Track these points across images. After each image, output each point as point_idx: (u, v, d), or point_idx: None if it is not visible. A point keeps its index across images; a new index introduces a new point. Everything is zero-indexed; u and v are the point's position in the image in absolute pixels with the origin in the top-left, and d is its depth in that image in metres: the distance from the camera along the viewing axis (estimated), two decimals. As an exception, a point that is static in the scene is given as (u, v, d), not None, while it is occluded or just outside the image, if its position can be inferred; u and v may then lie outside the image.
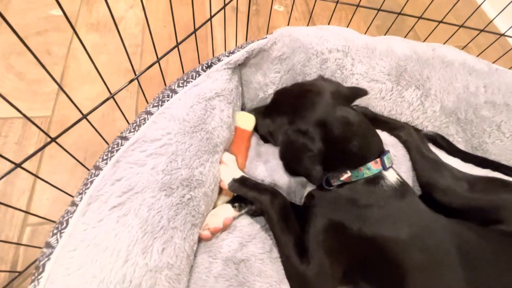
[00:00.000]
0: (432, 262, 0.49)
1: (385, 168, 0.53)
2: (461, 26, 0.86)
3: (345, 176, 0.53)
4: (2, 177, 0.45)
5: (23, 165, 0.45)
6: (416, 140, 0.73)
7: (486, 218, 0.56)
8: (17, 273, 0.65)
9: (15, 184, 0.76)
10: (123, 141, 0.51)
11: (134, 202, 0.48)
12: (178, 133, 0.55)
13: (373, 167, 0.53)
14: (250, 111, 0.71)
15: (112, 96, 0.56)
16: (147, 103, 0.59)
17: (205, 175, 0.57)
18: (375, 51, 0.75)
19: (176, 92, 0.58)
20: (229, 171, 0.62)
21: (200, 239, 0.59)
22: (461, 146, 0.78)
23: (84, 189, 0.47)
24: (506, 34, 0.90)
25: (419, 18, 0.85)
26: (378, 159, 0.53)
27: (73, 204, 0.46)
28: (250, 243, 0.60)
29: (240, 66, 0.69)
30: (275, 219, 0.55)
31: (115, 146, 0.51)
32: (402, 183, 0.55)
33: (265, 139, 0.71)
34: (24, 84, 0.91)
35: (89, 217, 0.45)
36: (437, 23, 0.86)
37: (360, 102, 0.78)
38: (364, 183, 0.53)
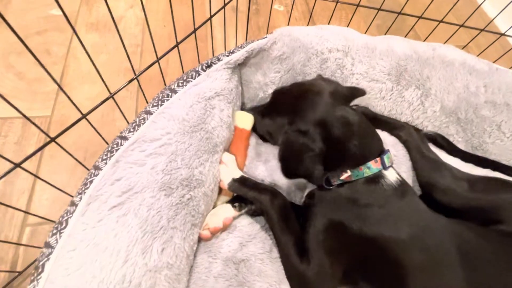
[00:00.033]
0: (432, 262, 0.49)
1: (385, 167, 0.53)
2: (462, 25, 0.86)
3: (345, 175, 0.53)
4: (2, 177, 0.45)
5: (23, 165, 0.45)
6: (416, 140, 0.73)
7: (486, 218, 0.56)
8: (16, 273, 0.65)
9: (15, 184, 0.76)
10: (122, 141, 0.51)
11: (133, 202, 0.48)
12: (178, 133, 0.54)
13: (373, 166, 0.53)
14: (248, 110, 0.71)
15: (111, 96, 0.56)
16: (147, 103, 0.59)
17: (205, 175, 0.57)
18: (375, 51, 0.75)
19: (175, 92, 0.58)
20: (229, 171, 0.62)
21: (200, 239, 0.59)
22: (461, 146, 0.78)
23: (83, 189, 0.47)
24: (506, 33, 0.90)
25: (419, 17, 0.85)
26: (378, 158, 0.53)
27: (73, 204, 0.46)
28: (250, 243, 0.60)
29: (240, 66, 0.69)
30: (275, 219, 0.55)
31: (115, 146, 0.51)
32: (402, 183, 0.55)
33: (263, 138, 0.71)
34: (23, 83, 0.91)
35: (89, 217, 0.45)
36: (437, 22, 0.86)
37: (360, 101, 0.78)
38: (364, 182, 0.53)
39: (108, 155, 0.50)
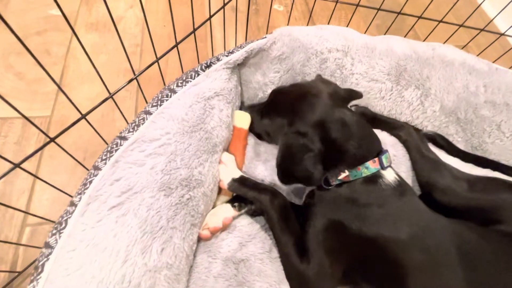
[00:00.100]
0: (432, 262, 0.49)
1: (383, 167, 0.53)
2: (461, 25, 0.86)
3: (343, 175, 0.53)
4: (2, 177, 0.45)
5: (23, 165, 0.45)
6: (416, 140, 0.73)
7: (486, 218, 0.56)
8: (16, 273, 0.65)
9: (15, 184, 0.76)
10: (122, 141, 0.51)
11: (133, 202, 0.48)
12: (177, 133, 0.54)
13: (371, 166, 0.53)
14: (245, 109, 0.71)
15: (111, 96, 0.56)
16: (147, 103, 0.59)
17: (204, 175, 0.57)
18: (374, 51, 0.75)
19: (175, 92, 0.58)
20: (229, 171, 0.62)
21: (200, 239, 0.59)
22: (461, 146, 0.77)
23: (83, 189, 0.47)
24: (506, 33, 0.90)
25: (419, 17, 0.85)
26: (376, 158, 0.54)
27: (72, 204, 0.46)
28: (250, 243, 0.60)
29: (239, 66, 0.69)
30: (275, 218, 0.55)
31: (114, 146, 0.51)
32: (401, 183, 0.55)
33: (260, 136, 0.71)
34: (23, 84, 0.91)
35: (88, 217, 0.45)
36: (437, 22, 0.86)
37: (359, 101, 0.78)
38: (362, 182, 0.53)
39: (108, 155, 0.50)
